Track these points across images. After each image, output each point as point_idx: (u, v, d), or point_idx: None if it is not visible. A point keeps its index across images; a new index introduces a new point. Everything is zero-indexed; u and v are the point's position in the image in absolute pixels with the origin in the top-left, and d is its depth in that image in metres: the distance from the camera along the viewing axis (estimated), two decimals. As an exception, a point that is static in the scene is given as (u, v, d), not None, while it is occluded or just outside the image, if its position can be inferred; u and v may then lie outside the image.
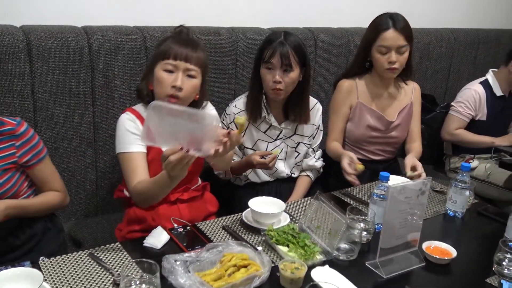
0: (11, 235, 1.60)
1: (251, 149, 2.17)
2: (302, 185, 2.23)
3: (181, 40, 1.71)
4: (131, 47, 2.15)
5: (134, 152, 1.67)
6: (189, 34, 1.80)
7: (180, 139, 1.32)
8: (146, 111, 1.52)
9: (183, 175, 1.42)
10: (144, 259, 1.28)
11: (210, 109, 1.91)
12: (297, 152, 2.23)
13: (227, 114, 2.16)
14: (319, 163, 2.29)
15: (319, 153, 2.32)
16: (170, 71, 1.66)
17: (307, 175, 2.28)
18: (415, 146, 2.36)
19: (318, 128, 2.26)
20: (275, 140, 2.17)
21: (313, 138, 2.26)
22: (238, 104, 2.14)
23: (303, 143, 2.22)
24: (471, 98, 2.84)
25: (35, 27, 2.01)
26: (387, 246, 1.47)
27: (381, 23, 2.16)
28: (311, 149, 2.27)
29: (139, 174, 1.63)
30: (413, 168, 2.01)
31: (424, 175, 1.96)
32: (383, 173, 1.67)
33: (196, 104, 1.80)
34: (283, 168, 2.22)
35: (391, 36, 2.12)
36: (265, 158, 2.03)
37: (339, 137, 2.32)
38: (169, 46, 1.67)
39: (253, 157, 2.01)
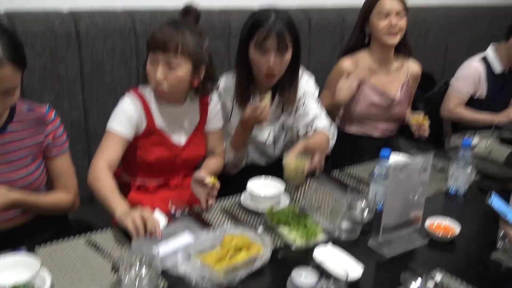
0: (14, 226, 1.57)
1: None
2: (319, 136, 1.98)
3: (164, 28, 1.65)
4: (120, 31, 2.14)
5: (114, 132, 1.66)
6: (194, 17, 1.74)
7: None
8: None
9: None
10: (142, 243, 1.31)
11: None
12: (285, 131, 2.14)
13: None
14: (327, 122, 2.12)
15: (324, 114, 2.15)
16: (155, 63, 1.65)
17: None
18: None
19: (304, 96, 2.07)
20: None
21: (306, 108, 2.07)
22: (227, 84, 2.03)
23: (290, 122, 2.12)
24: (470, 75, 2.85)
25: (20, 12, 1.98)
26: (389, 225, 1.48)
27: None
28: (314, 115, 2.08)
29: (105, 155, 1.62)
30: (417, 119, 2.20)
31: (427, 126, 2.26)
32: (383, 151, 1.67)
33: (198, 89, 1.78)
34: (272, 150, 2.14)
35: (389, 1, 2.25)
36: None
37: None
38: (152, 36, 1.65)
39: (243, 114, 1.88)
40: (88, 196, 2.00)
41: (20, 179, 1.49)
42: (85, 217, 1.82)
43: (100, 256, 1.39)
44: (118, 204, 1.49)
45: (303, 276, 1.11)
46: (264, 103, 1.82)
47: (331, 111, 2.35)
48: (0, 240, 1.50)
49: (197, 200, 1.78)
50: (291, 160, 1.75)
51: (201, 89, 1.79)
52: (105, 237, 1.49)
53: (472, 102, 2.89)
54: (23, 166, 1.50)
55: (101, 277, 1.29)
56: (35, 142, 1.52)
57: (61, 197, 1.62)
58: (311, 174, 1.85)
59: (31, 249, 1.38)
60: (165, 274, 1.29)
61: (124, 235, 1.47)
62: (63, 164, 1.62)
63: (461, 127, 2.95)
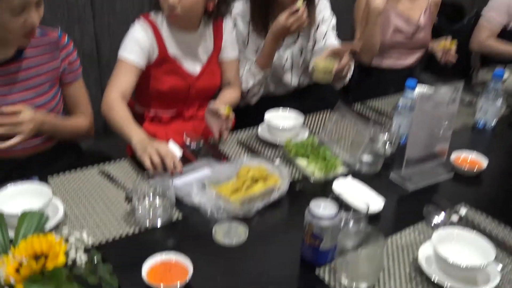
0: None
1: None
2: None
3: None
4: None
5: (126, 60, 1.61)
6: None
7: None
8: None
9: None
10: (157, 172, 1.28)
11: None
12: (303, 56, 2.03)
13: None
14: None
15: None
16: None
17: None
18: None
19: (323, 23, 1.97)
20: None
21: (326, 43, 1.98)
22: (241, 8, 1.90)
23: (308, 46, 2.02)
24: (503, 4, 2.67)
25: None
26: (413, 157, 1.42)
27: None
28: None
29: (118, 85, 1.59)
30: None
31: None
32: (410, 81, 1.58)
33: (212, 13, 1.70)
34: (289, 78, 2.04)
35: None
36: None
37: None
38: None
39: (276, 22, 1.74)
40: (101, 127, 1.98)
41: (41, 106, 1.47)
42: (98, 148, 1.80)
43: (114, 186, 1.37)
44: (134, 132, 1.46)
45: (321, 207, 1.06)
46: (298, 5, 1.69)
47: (368, 49, 2.25)
48: (15, 169, 1.49)
49: (212, 133, 1.73)
50: (320, 60, 1.74)
51: (216, 12, 1.70)
52: (119, 167, 1.46)
53: (504, 34, 2.74)
54: (43, 92, 1.48)
55: (115, 207, 1.27)
56: (51, 68, 1.50)
57: (80, 121, 1.62)
58: (340, 76, 1.80)
59: (43, 178, 1.36)
60: (179, 204, 1.27)
61: (138, 166, 1.44)
62: (79, 90, 1.61)
63: (490, 60, 2.82)
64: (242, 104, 1.95)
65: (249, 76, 1.87)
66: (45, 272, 0.82)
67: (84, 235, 0.90)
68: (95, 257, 0.90)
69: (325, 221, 1.04)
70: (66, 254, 0.84)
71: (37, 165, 1.55)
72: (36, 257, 0.84)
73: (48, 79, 1.50)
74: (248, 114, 1.85)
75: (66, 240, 0.88)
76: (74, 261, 0.85)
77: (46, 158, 1.58)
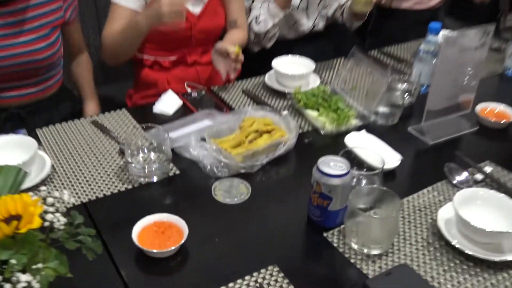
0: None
1: None
2: None
3: None
4: None
5: (120, 3, 1.50)
6: None
7: None
8: None
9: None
10: (152, 124, 1.18)
11: None
12: None
13: None
14: None
15: None
16: None
17: None
18: None
19: None
20: None
21: None
22: None
23: None
24: None
25: None
26: (435, 108, 1.32)
27: None
28: None
29: (114, 28, 1.51)
30: None
31: None
32: (433, 24, 1.45)
33: None
34: (303, 20, 1.91)
35: None
36: None
37: None
38: None
39: None
40: (100, 76, 1.89)
41: (43, 50, 1.40)
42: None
43: (108, 138, 1.28)
44: (137, 16, 1.44)
45: (331, 165, 0.97)
46: None
47: None
48: (8, 120, 1.44)
49: (216, 80, 1.65)
50: None
51: None
52: (114, 118, 1.37)
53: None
54: (44, 36, 1.40)
55: (107, 162, 1.20)
56: (53, 8, 1.42)
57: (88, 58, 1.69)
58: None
59: (32, 131, 1.28)
60: (176, 159, 1.19)
61: (134, 116, 1.36)
62: (78, 28, 1.60)
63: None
64: (257, 49, 1.85)
65: (268, 17, 1.75)
66: (16, 237, 0.73)
67: (65, 195, 0.82)
68: (76, 219, 0.81)
69: (335, 179, 0.95)
70: (43, 216, 0.76)
71: (30, 115, 1.48)
72: (9, 219, 0.76)
73: (48, 22, 1.42)
74: (254, 60, 1.74)
75: (44, 200, 0.79)
76: (52, 224, 0.77)
77: (42, 108, 1.50)
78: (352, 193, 0.97)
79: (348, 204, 0.96)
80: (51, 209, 0.78)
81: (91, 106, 1.64)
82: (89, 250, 0.79)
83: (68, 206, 0.99)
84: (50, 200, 0.79)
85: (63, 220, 0.78)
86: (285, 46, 1.80)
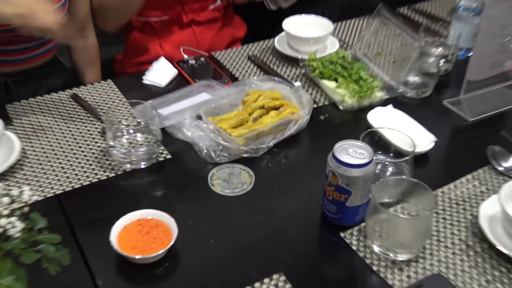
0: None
1: None
2: None
3: None
4: None
5: None
6: None
7: None
8: None
9: None
10: (138, 101, 1.11)
11: None
12: None
13: None
14: None
15: None
16: None
17: None
18: None
19: None
20: None
21: None
22: None
23: None
24: None
25: None
26: (476, 77, 1.26)
27: None
28: None
29: None
30: None
31: None
32: (476, -26, 1.35)
33: None
34: None
35: None
36: None
37: None
38: None
39: None
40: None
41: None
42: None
43: (89, 116, 1.21)
44: None
45: (350, 151, 0.89)
46: None
47: None
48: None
49: (219, 44, 1.60)
50: None
51: None
52: (97, 91, 1.30)
53: None
54: None
55: (88, 144, 1.12)
56: None
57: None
58: None
59: (2, 109, 1.21)
60: (167, 140, 1.12)
61: (121, 88, 1.30)
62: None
63: None
64: (273, 7, 1.75)
65: None
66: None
67: (25, 192, 0.73)
68: (38, 223, 0.73)
69: (354, 169, 0.87)
70: (-5, 220, 0.68)
71: (18, 86, 1.42)
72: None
73: None
74: (266, 23, 1.66)
75: (-1, 199, 0.71)
76: (5, 232, 0.69)
77: (31, 78, 1.45)
78: (376, 185, 0.88)
79: (371, 199, 0.88)
80: (5, 211, 0.70)
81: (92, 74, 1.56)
82: (52, 262, 0.70)
83: (34, 200, 0.94)
84: (4, 200, 0.71)
85: (19, 225, 0.70)
86: (298, 4, 1.72)
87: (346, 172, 0.87)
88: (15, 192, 0.72)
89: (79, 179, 1.02)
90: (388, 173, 1.00)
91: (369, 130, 1.03)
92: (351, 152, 0.88)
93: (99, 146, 1.10)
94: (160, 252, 0.84)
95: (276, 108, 1.16)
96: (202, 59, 1.41)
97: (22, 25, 1.05)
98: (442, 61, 1.39)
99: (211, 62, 1.41)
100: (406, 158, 0.97)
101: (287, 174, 1.07)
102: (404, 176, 0.96)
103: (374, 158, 0.88)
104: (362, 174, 0.87)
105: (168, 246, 0.85)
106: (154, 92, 1.27)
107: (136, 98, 1.15)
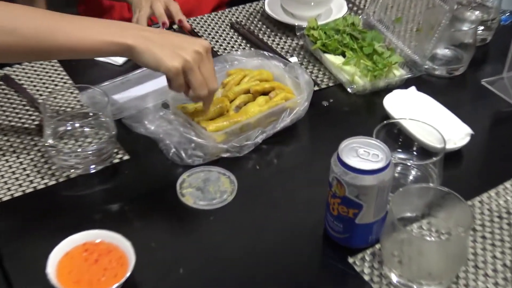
0: None
1: None
2: None
3: None
4: None
5: None
6: None
7: None
8: None
9: None
10: (86, 85, 1.11)
11: None
12: None
13: None
14: None
15: None
16: None
17: None
18: None
19: None
20: None
21: None
22: None
23: None
24: None
25: None
26: None
27: None
28: None
29: None
30: None
31: None
32: None
33: None
34: None
35: None
36: None
37: None
38: None
39: None
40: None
41: None
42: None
43: (24, 105, 1.20)
44: None
45: (360, 152, 0.87)
46: None
47: None
48: None
49: (202, 9, 1.66)
50: None
51: None
52: (35, 71, 1.30)
53: None
54: None
55: (21, 142, 1.11)
56: None
57: None
58: None
59: None
60: (125, 137, 1.11)
61: (66, 68, 1.29)
62: None
63: None
64: None
65: None
66: None
67: None
68: None
69: (366, 177, 0.84)
70: None
71: None
72: None
73: None
74: None
75: None
76: None
77: None
78: (394, 196, 0.86)
79: (388, 214, 0.87)
80: None
81: None
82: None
83: None
84: None
85: None
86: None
87: (355, 180, 0.84)
88: None
89: (8, 189, 1.00)
90: (411, 178, 1.01)
91: (385, 122, 1.02)
92: (362, 153, 0.86)
93: (36, 145, 1.10)
94: (113, 287, 0.81)
95: (266, 93, 1.16)
96: (175, 26, 1.43)
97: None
98: (480, 28, 1.40)
99: (185, 28, 1.43)
100: (435, 159, 0.96)
101: (279, 180, 1.07)
102: (431, 184, 0.95)
103: (392, 160, 0.86)
104: (376, 183, 0.85)
105: (123, 279, 0.82)
106: (108, 73, 1.28)
107: (85, 81, 1.14)
